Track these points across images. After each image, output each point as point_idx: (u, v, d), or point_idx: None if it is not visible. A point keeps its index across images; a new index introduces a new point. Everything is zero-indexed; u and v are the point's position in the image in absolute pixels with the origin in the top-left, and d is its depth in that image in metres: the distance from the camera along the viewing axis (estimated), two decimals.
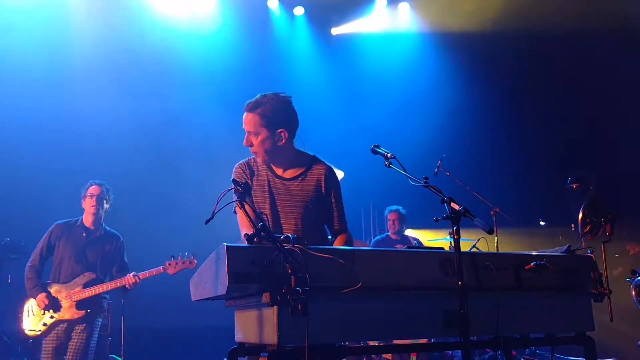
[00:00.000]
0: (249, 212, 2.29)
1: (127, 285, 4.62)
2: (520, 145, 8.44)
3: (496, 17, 7.74)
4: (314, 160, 3.09)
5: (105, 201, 4.86)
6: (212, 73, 7.76)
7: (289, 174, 3.04)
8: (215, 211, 2.28)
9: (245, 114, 2.97)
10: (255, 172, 3.04)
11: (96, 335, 4.71)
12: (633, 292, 4.65)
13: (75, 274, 4.68)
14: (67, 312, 4.57)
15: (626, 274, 5.46)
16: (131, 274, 4.64)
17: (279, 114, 2.92)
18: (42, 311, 4.60)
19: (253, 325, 2.35)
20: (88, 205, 4.84)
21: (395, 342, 4.25)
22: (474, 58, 8.32)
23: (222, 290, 2.15)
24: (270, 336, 2.17)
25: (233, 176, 3.04)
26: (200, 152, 7.63)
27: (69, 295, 4.61)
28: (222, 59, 7.87)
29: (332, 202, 3.06)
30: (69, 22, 7.30)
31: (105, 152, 7.21)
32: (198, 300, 2.51)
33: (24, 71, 6.88)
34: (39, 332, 4.59)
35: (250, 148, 3.00)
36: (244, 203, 2.29)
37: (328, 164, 3.11)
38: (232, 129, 7.44)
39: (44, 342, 4.59)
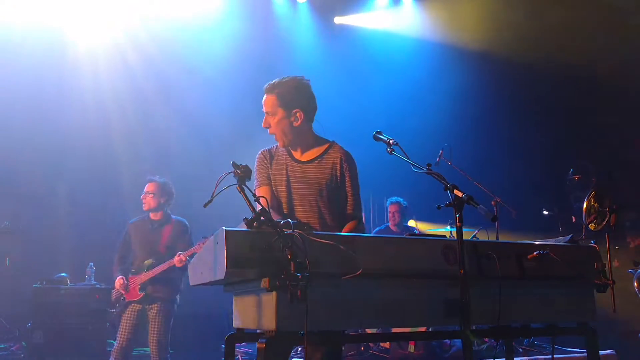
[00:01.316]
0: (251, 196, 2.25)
1: (176, 264, 4.94)
2: (522, 136, 8.39)
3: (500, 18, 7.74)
4: (333, 145, 3.11)
5: (156, 196, 5.15)
6: (215, 61, 7.71)
7: (306, 157, 3.05)
8: (214, 194, 2.25)
9: (264, 95, 3.03)
10: (275, 157, 3.08)
11: (171, 318, 5.09)
12: (635, 284, 4.64)
13: (143, 263, 5.11)
14: (133, 294, 5.04)
15: (627, 265, 5.44)
16: (178, 254, 4.98)
17: (294, 95, 2.99)
18: (119, 293, 5.10)
19: (251, 311, 2.32)
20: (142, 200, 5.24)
21: (394, 330, 4.24)
22: (476, 48, 8.25)
23: (220, 275, 2.12)
24: (269, 322, 2.15)
25: (255, 163, 3.08)
26: (203, 138, 7.59)
27: (136, 280, 5.07)
28: (225, 46, 7.82)
29: (347, 187, 3.06)
30: (71, 8, 7.25)
31: (105, 140, 7.19)
32: (196, 285, 2.48)
33: (26, 55, 6.84)
34: (114, 312, 5.11)
35: (268, 130, 3.04)
36: (243, 187, 2.25)
37: (346, 149, 3.12)
38: (235, 116, 7.46)
39: (120, 321, 5.04)
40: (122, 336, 4.96)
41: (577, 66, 7.59)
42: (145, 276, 5.02)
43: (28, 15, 6.96)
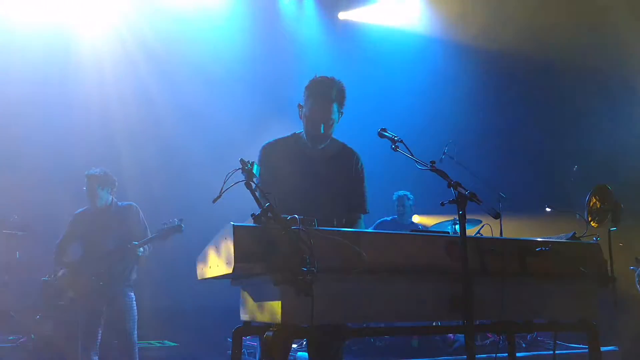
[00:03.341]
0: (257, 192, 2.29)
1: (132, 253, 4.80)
2: (526, 133, 8.39)
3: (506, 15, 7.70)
4: (345, 146, 3.20)
5: (99, 188, 4.95)
6: (220, 58, 7.73)
7: (322, 156, 3.10)
8: (223, 190, 2.29)
9: (324, 103, 2.98)
10: (286, 153, 3.07)
11: (134, 310, 4.86)
12: (637, 280, 4.66)
13: (94, 253, 4.89)
14: (83, 285, 4.79)
15: (630, 262, 5.46)
16: (132, 243, 4.82)
17: (344, 100, 3.06)
18: (65, 287, 4.85)
19: (258, 304, 2.37)
20: (87, 196, 5.04)
21: (398, 324, 4.28)
22: (481, 46, 8.24)
23: (229, 269, 2.16)
24: (275, 315, 2.19)
25: (259, 156, 3.07)
26: (209, 136, 7.62)
27: (87, 271, 4.81)
28: (230, 44, 7.83)
29: (359, 188, 3.16)
30: (76, 7, 7.28)
31: (111, 136, 7.22)
32: (204, 280, 2.52)
33: (30, 56, 6.87)
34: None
35: (320, 132, 3.01)
36: (251, 183, 2.30)
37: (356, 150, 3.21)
38: (241, 113, 7.48)
39: (80, 321, 4.81)
40: (89, 339, 4.73)
41: (583, 63, 7.58)
42: (98, 266, 4.76)
43: (32, 13, 6.98)
